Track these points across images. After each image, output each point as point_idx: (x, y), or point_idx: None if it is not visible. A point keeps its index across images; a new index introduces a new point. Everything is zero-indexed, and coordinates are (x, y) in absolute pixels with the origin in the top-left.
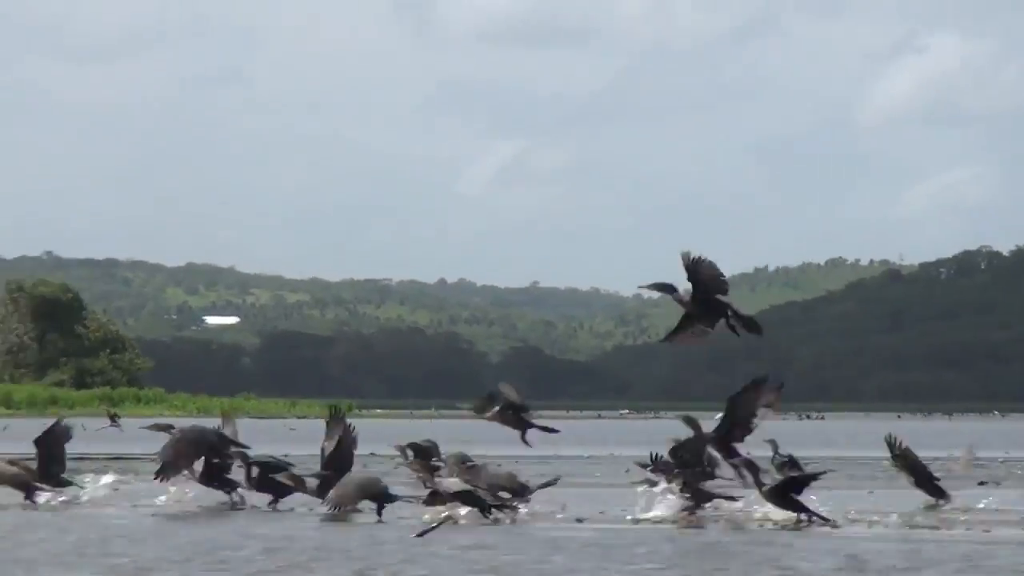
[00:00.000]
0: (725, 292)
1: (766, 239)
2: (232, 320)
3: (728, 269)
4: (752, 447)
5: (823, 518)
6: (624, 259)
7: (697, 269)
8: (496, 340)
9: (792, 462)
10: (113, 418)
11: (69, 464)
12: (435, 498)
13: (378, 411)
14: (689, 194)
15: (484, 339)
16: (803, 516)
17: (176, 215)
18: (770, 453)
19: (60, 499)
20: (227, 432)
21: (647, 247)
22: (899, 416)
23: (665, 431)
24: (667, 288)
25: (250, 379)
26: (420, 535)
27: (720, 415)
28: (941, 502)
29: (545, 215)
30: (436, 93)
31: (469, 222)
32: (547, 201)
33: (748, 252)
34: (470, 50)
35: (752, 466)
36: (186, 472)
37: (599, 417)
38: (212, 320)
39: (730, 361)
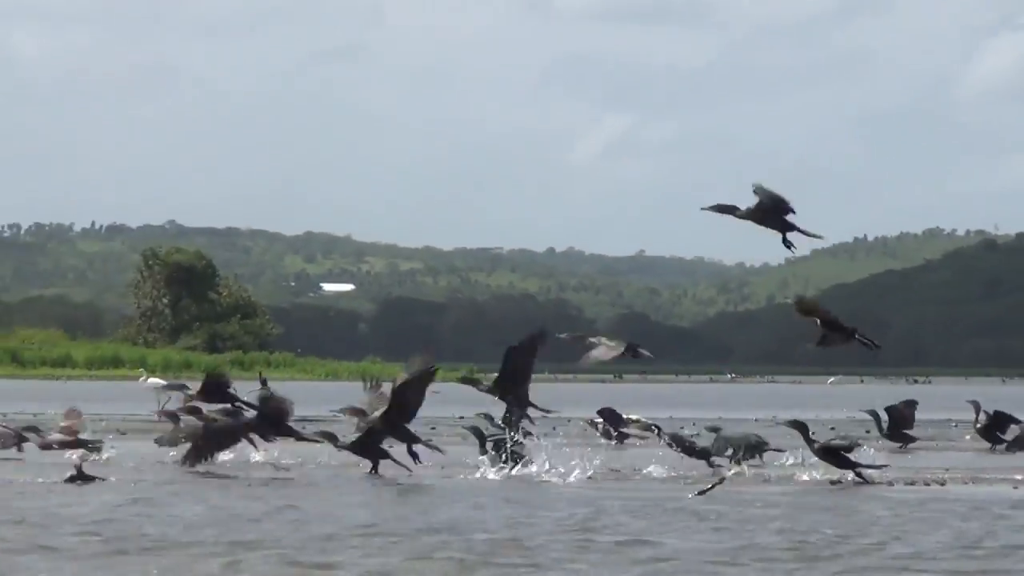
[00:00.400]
0: (788, 211)
1: (866, 210)
2: (348, 287)
3: (829, 238)
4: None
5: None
6: (727, 230)
7: (763, 189)
8: (603, 307)
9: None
10: (264, 382)
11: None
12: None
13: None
14: (791, 166)
15: (591, 306)
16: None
17: (295, 185)
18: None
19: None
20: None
21: None
22: (1004, 381)
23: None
24: (728, 209)
25: (367, 344)
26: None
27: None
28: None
29: (652, 186)
30: (550, 68)
31: (579, 193)
32: (655, 173)
33: (848, 222)
34: (584, 27)
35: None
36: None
37: (710, 381)
38: (329, 287)
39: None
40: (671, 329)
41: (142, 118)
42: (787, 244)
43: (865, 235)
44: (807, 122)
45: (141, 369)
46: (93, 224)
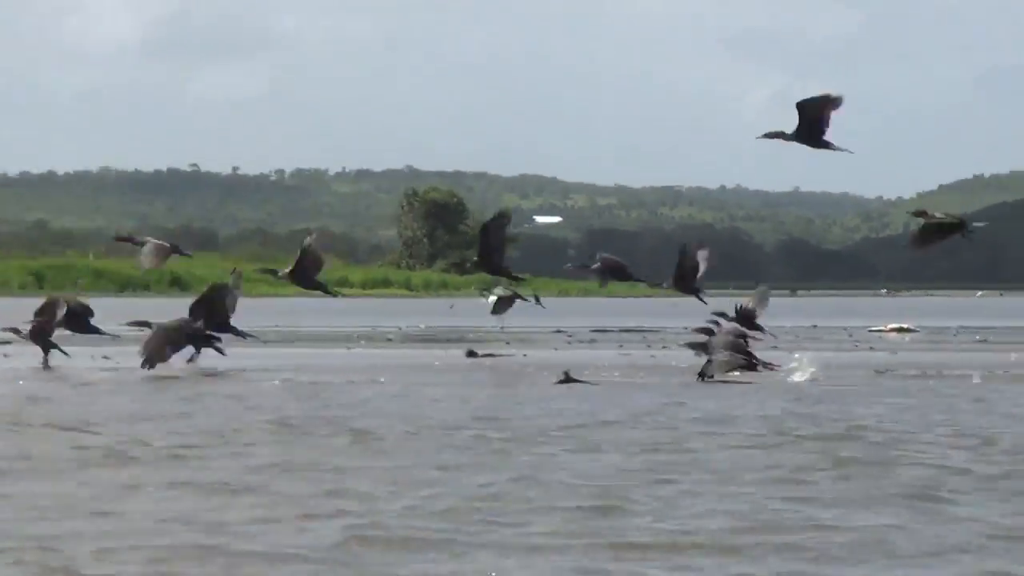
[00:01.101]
0: (824, 117)
1: (983, 150)
2: (556, 219)
3: (952, 175)
4: None
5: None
6: (868, 168)
7: (801, 104)
8: (768, 234)
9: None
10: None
11: None
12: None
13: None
14: (919, 116)
15: (758, 233)
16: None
17: (511, 133)
18: None
19: None
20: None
21: (885, 157)
22: None
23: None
24: (778, 134)
25: None
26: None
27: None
28: None
29: None
30: (730, 38)
31: (745, 139)
32: None
33: (968, 161)
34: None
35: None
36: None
37: (873, 295)
38: (540, 219)
39: (955, 252)
40: (825, 252)
41: (384, 80)
42: (825, 145)
43: (982, 172)
44: (938, 77)
45: None
46: (344, 169)
